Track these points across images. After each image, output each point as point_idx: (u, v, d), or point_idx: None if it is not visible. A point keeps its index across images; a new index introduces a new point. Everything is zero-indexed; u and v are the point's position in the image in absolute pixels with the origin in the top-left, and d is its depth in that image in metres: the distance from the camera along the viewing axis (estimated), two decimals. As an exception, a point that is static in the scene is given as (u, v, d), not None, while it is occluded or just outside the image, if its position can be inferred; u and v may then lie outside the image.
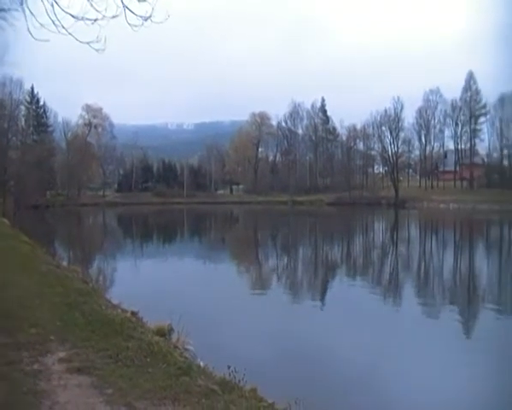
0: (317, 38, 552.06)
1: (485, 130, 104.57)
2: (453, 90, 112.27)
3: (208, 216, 75.39)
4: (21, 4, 6.46)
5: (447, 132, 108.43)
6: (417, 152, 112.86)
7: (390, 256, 32.37)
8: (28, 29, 6.53)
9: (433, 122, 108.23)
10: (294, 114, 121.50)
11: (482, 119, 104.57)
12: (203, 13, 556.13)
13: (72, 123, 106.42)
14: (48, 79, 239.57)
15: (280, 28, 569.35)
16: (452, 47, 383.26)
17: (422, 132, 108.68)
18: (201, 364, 8.39)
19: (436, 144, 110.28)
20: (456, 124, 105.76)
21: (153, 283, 20.55)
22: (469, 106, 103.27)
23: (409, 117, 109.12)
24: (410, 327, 14.07)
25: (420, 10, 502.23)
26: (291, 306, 17.15)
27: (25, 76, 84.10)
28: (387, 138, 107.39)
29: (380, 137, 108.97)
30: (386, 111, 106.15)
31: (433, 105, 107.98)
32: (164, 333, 10.09)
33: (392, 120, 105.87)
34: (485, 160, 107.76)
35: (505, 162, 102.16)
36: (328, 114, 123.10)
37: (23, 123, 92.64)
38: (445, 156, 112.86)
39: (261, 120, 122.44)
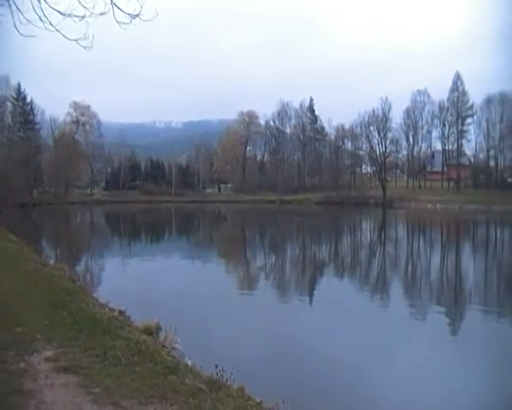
0: (304, 38, 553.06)
1: (472, 131, 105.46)
2: (440, 91, 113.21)
3: (196, 215, 75.24)
4: (8, 0, 6.40)
5: (434, 133, 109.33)
6: (405, 152, 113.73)
7: (377, 256, 32.49)
8: (15, 25, 6.48)
9: (420, 123, 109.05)
10: (282, 113, 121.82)
11: (469, 120, 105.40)
12: (192, 12, 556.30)
13: (60, 120, 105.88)
14: (35, 75, 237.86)
15: (268, 28, 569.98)
16: (440, 48, 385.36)
17: (410, 133, 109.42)
18: (189, 363, 8.39)
19: (423, 145, 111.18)
20: (444, 125, 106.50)
21: (140, 281, 20.47)
22: (456, 107, 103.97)
23: (397, 117, 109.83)
24: (396, 326, 14.13)
25: (410, 13, 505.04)
26: (278, 305, 17.17)
27: (11, 72, 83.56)
28: (375, 138, 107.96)
29: (368, 137, 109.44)
30: (374, 111, 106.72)
31: (420, 106, 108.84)
32: (151, 332, 10.08)
33: (380, 121, 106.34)
34: (472, 160, 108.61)
35: (491, 163, 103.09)
36: (317, 113, 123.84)
37: (9, 120, 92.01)
38: (433, 157, 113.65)
39: (249, 119, 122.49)
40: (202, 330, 12.68)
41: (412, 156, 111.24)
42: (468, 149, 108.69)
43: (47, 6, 6.58)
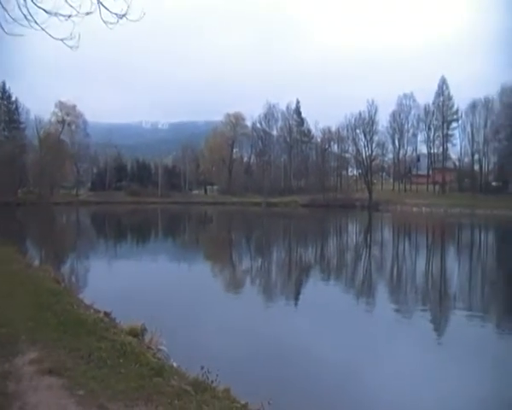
0: (291, 40, 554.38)
1: (457, 135, 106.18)
2: (426, 95, 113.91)
3: (182, 216, 75.03)
4: (-8, -2, 6.35)
5: (420, 137, 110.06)
6: (391, 155, 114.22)
7: (363, 259, 32.62)
8: (0, 23, 6.43)
9: (406, 126, 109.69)
10: (269, 115, 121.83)
11: (454, 124, 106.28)
12: (178, 13, 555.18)
13: (45, 120, 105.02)
14: (20, 75, 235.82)
15: (255, 30, 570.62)
16: (426, 53, 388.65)
17: (396, 136, 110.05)
18: (174, 364, 8.37)
19: (409, 148, 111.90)
20: (429, 128, 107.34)
21: (126, 283, 20.36)
22: (442, 111, 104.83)
23: (383, 120, 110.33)
24: (381, 328, 14.18)
25: (396, 16, 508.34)
26: (264, 307, 17.17)
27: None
28: (362, 141, 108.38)
29: (354, 139, 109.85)
30: (360, 114, 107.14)
31: (406, 109, 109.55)
32: (137, 333, 10.03)
33: (366, 124, 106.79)
34: (457, 164, 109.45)
35: (476, 167, 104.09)
36: (303, 115, 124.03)
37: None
38: (418, 160, 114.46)
39: (236, 121, 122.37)
40: (188, 331, 12.64)
41: (398, 159, 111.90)
42: (453, 152, 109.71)
43: (33, 4, 6.54)
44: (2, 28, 6.46)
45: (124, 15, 7.03)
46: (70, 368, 6.57)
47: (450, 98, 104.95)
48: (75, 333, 8.26)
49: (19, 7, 6.37)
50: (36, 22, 6.66)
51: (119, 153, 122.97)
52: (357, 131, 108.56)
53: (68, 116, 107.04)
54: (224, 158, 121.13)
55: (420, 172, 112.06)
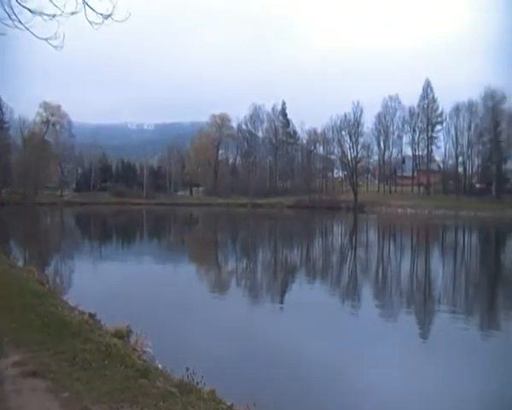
0: (279, 41, 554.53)
1: (442, 137, 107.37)
2: (411, 98, 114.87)
3: (168, 218, 74.82)
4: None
5: (405, 139, 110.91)
6: (376, 157, 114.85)
7: (348, 260, 32.75)
8: (-18, 22, 6.38)
9: (391, 128, 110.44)
10: (255, 116, 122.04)
11: (438, 126, 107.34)
12: (165, 13, 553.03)
13: (30, 120, 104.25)
14: (4, 74, 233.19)
15: (242, 31, 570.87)
16: (411, 55, 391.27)
17: (381, 138, 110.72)
18: (160, 366, 8.34)
19: (394, 150, 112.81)
20: (414, 130, 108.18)
21: (111, 284, 20.26)
22: (426, 113, 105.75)
23: (368, 122, 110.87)
24: (366, 328, 14.25)
25: (381, 19, 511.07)
26: (250, 308, 17.18)
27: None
28: (347, 143, 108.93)
29: (339, 141, 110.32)
30: (346, 116, 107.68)
31: (391, 111, 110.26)
32: (122, 335, 9.97)
33: (351, 125, 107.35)
34: (442, 166, 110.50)
35: (460, 169, 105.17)
36: (289, 117, 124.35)
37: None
38: (403, 162, 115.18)
39: (221, 122, 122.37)
40: (173, 333, 12.60)
41: (383, 161, 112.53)
42: (438, 155, 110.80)
43: (17, 4, 6.50)
44: (-14, 27, 6.41)
45: (109, 16, 7.02)
46: (54, 370, 6.51)
47: (434, 101, 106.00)
48: (59, 335, 8.19)
49: (2, 6, 6.34)
50: (20, 21, 6.62)
51: (104, 153, 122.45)
52: (343, 132, 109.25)
53: (53, 116, 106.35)
54: (210, 159, 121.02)
55: (405, 174, 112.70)
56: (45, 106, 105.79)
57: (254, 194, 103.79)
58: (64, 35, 7.16)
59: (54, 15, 6.83)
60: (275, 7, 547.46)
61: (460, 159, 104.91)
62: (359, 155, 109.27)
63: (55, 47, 7.34)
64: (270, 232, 53.12)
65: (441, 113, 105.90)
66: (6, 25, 6.57)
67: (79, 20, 6.97)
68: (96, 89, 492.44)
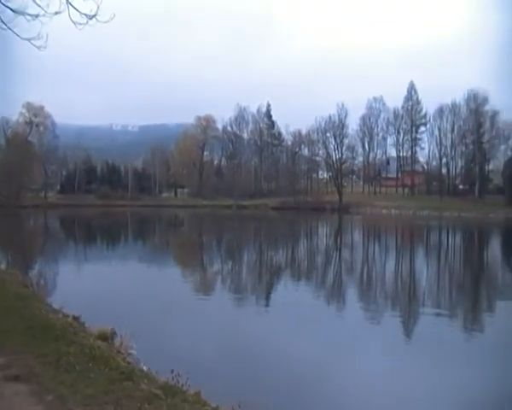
0: (265, 43, 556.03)
1: (426, 139, 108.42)
2: (395, 99, 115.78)
3: (153, 219, 74.56)
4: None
5: (389, 140, 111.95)
6: (361, 158, 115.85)
7: (333, 261, 32.84)
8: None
9: (376, 130, 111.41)
10: (240, 118, 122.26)
11: (422, 128, 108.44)
12: (149, 14, 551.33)
13: (13, 121, 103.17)
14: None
15: (227, 32, 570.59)
16: (396, 57, 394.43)
17: (366, 139, 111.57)
18: (145, 368, 8.31)
19: (379, 151, 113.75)
20: (398, 132, 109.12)
21: (96, 287, 20.12)
22: (411, 115, 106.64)
23: (353, 124, 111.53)
24: (351, 327, 14.31)
25: (366, 21, 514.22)
26: (235, 309, 17.15)
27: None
28: (332, 144, 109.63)
29: (324, 143, 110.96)
30: (330, 117, 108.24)
31: (376, 113, 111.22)
32: (106, 338, 9.92)
33: (336, 127, 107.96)
34: (425, 167, 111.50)
35: (444, 170, 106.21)
36: (274, 118, 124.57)
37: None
38: (388, 163, 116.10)
39: (206, 124, 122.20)
40: (158, 335, 12.55)
41: (368, 163, 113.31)
42: (422, 156, 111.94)
43: (-1, 3, 6.44)
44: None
45: (94, 16, 6.97)
46: (38, 373, 6.46)
47: (418, 102, 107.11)
48: (43, 338, 8.13)
49: (-16, 5, 6.26)
50: (2, 21, 6.56)
51: (89, 155, 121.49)
52: (328, 134, 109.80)
53: (36, 117, 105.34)
54: (195, 161, 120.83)
55: (389, 175, 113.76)
56: (28, 106, 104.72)
57: (239, 195, 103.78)
58: (47, 35, 7.11)
59: (37, 15, 6.78)
60: (259, 7, 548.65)
61: (444, 160, 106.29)
62: (344, 157, 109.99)
63: (39, 47, 7.28)
64: (255, 234, 53.12)
65: (425, 114, 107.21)
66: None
67: (63, 20, 6.92)
68: (80, 90, 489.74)
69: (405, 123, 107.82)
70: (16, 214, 73.60)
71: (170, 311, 16.06)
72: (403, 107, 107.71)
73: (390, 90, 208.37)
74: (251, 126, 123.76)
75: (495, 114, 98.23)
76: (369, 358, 11.68)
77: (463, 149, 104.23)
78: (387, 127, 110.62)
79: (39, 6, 6.57)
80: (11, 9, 6.51)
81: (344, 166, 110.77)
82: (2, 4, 6.39)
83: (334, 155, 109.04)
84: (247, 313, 16.52)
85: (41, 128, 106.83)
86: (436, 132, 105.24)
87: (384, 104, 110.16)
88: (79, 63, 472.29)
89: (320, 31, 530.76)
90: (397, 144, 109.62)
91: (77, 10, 6.83)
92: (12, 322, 8.94)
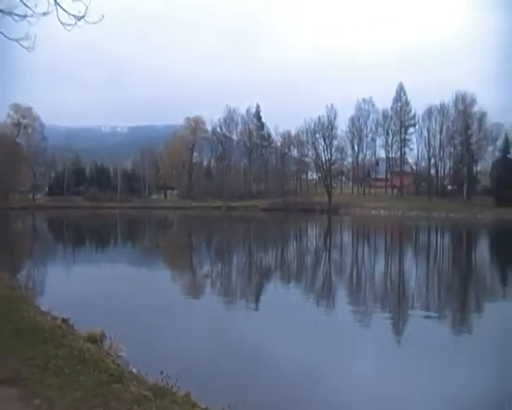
0: (254, 44, 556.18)
1: (415, 140, 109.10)
2: (384, 100, 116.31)
3: (142, 221, 74.30)
4: None
5: (379, 141, 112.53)
6: (350, 159, 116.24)
7: (322, 262, 32.89)
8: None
9: (365, 131, 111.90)
10: (229, 119, 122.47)
11: (411, 129, 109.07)
12: (137, 16, 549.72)
13: (0, 123, 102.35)
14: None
15: (216, 33, 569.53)
16: (384, 58, 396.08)
17: (355, 140, 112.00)
18: (134, 370, 8.27)
19: (368, 152, 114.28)
20: (387, 133, 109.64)
21: (85, 289, 20.00)
22: (400, 116, 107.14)
23: (342, 125, 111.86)
24: (340, 328, 14.33)
25: (354, 22, 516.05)
26: (224, 311, 17.12)
27: None
28: (321, 145, 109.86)
29: (314, 144, 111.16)
30: (320, 119, 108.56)
31: (365, 114, 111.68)
32: (96, 340, 9.87)
33: (325, 128, 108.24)
34: (414, 168, 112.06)
35: (432, 171, 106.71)
36: (263, 120, 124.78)
37: None
38: (377, 164, 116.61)
39: (196, 125, 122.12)
40: (148, 337, 12.50)
41: (357, 163, 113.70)
42: (411, 157, 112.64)
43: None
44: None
45: (82, 17, 6.94)
46: (26, 377, 6.41)
47: (407, 104, 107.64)
48: (31, 341, 8.07)
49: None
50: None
51: (78, 157, 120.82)
52: (317, 135, 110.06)
53: (24, 119, 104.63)
54: (184, 162, 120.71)
55: (378, 176, 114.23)
56: (16, 108, 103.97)
57: (229, 197, 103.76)
58: (36, 36, 7.07)
59: (25, 16, 6.74)
60: (248, 10, 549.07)
61: (432, 161, 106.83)
62: (333, 158, 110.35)
63: (27, 48, 7.24)
64: (244, 235, 53.07)
65: (414, 115, 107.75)
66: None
67: (51, 21, 6.89)
68: (68, 91, 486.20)
69: (394, 124, 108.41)
70: (4, 216, 73.04)
71: (159, 313, 16.00)
72: (392, 108, 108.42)
73: (379, 91, 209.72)
74: (240, 128, 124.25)
75: (483, 115, 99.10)
76: (357, 358, 11.71)
77: (452, 149, 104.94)
78: (376, 128, 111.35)
79: (27, 6, 6.53)
80: (-2, 10, 6.47)
81: (333, 167, 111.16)
82: (-11, 4, 6.34)
83: (324, 156, 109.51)
84: (236, 315, 16.50)
85: (29, 130, 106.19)
86: (425, 133, 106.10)
87: (373, 105, 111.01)
88: (68, 64, 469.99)
89: (309, 32, 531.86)
90: (386, 145, 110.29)
91: (65, 11, 6.79)
92: (-1, 325, 8.88)
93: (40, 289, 20.23)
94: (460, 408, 9.26)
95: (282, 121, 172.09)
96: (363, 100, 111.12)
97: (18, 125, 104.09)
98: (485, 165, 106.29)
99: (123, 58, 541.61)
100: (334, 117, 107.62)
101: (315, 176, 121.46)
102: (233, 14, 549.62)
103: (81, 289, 20.04)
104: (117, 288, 20.73)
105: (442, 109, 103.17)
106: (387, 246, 43.92)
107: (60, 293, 17.99)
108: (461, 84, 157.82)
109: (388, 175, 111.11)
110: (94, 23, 7.31)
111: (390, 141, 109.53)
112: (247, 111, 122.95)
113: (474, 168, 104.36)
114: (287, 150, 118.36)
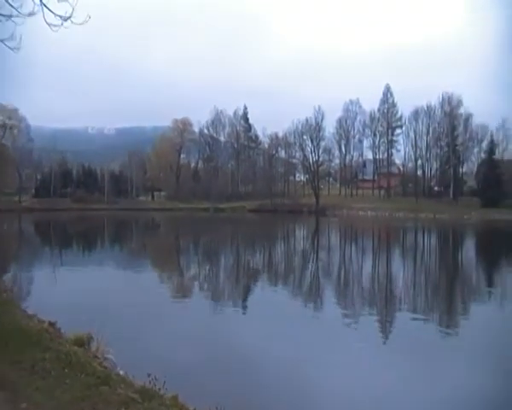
0: (238, 45, 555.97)
1: (401, 141, 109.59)
2: (371, 102, 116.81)
3: (130, 223, 74.00)
4: None
5: (366, 142, 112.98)
6: (337, 161, 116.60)
7: (310, 263, 32.96)
8: None
9: (352, 132, 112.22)
10: (216, 121, 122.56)
11: (398, 130, 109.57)
12: (123, 17, 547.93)
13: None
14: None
15: (204, 34, 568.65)
16: (372, 60, 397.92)
17: (342, 142, 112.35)
18: (121, 373, 8.25)
19: (355, 154, 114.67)
20: (375, 134, 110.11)
21: (72, 292, 19.88)
22: (387, 117, 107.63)
23: (329, 126, 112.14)
24: (328, 330, 14.36)
25: (340, 25, 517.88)
26: (212, 313, 17.09)
27: None
28: (309, 147, 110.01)
29: (301, 145, 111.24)
30: (307, 120, 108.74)
31: (352, 115, 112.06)
32: (83, 343, 9.82)
33: (313, 129, 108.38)
34: (401, 169, 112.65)
35: (419, 172, 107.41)
36: (251, 121, 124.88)
37: None
38: (364, 166, 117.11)
39: (183, 127, 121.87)
40: (135, 339, 12.46)
41: (344, 165, 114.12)
42: (398, 158, 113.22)
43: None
44: None
45: (68, 18, 6.91)
46: (12, 381, 6.36)
47: (394, 105, 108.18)
48: (18, 344, 8.00)
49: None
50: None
51: (65, 158, 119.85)
52: (305, 136, 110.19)
53: (10, 120, 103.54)
54: (172, 164, 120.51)
55: (366, 177, 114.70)
56: (1, 109, 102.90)
57: (216, 198, 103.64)
58: (21, 36, 7.02)
59: (10, 16, 6.69)
60: (234, 12, 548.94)
61: (419, 162, 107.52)
62: (321, 159, 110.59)
63: (12, 49, 7.19)
64: (232, 237, 53.03)
65: (401, 117, 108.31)
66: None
67: (37, 21, 6.84)
68: (55, 92, 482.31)
69: (381, 125, 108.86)
70: (-11, 219, 72.35)
71: (147, 315, 15.95)
72: (379, 109, 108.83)
73: (366, 92, 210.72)
74: (228, 129, 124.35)
75: (469, 116, 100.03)
76: (345, 359, 11.77)
77: (438, 151, 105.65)
78: (364, 130, 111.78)
79: (12, 7, 6.48)
80: (-18, 10, 6.41)
81: (321, 168, 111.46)
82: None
83: (311, 158, 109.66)
84: (224, 317, 16.48)
85: (15, 131, 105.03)
86: (412, 135, 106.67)
87: (360, 107, 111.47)
88: (54, 65, 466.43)
89: (296, 33, 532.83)
90: (373, 147, 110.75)
91: (51, 12, 6.75)
92: (-15, 329, 8.80)
93: (26, 292, 20.09)
94: (446, 408, 9.34)
95: (269, 123, 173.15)
96: (351, 101, 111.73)
97: (3, 126, 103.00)
98: (471, 166, 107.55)
99: (110, 59, 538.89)
100: (322, 118, 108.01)
101: (302, 177, 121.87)
102: (220, 15, 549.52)
103: (68, 291, 19.92)
104: (104, 290, 20.62)
105: (428, 111, 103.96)
106: (375, 247, 44.13)
107: (46, 296, 17.90)
108: (447, 85, 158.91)
109: (375, 176, 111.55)
110: (80, 24, 7.28)
111: (377, 142, 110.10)
112: (235, 113, 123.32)
113: (460, 169, 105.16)
114: (274, 152, 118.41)
